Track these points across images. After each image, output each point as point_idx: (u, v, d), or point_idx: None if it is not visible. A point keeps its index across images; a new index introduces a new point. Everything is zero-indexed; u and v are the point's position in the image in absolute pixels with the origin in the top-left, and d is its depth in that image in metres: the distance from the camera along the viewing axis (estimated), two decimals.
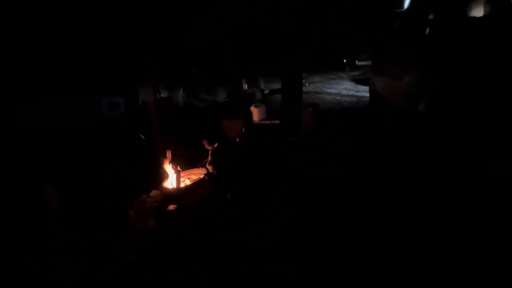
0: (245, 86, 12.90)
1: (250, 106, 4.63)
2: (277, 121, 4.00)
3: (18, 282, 2.14)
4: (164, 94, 10.18)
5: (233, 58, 6.97)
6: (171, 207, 2.93)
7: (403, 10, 3.00)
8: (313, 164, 3.23)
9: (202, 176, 3.07)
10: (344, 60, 17.31)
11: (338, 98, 8.73)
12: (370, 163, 3.11)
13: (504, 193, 1.60)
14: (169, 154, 3.24)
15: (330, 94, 9.56)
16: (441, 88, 2.10)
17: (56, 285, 2.13)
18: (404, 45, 2.79)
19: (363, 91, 8.97)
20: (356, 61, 17.19)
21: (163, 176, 3.25)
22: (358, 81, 11.32)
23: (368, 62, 15.35)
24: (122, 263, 2.27)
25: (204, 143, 2.95)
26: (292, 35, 5.28)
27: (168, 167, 3.15)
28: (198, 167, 3.25)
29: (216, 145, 2.83)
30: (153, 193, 3.28)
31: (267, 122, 4.03)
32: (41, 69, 7.35)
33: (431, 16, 2.28)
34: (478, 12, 2.09)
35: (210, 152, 2.81)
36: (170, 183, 3.14)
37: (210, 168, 2.77)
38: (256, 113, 4.05)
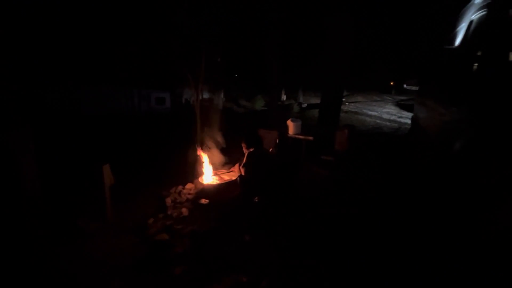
0: (284, 97, 13.26)
1: (287, 118, 4.90)
2: (311, 137, 4.21)
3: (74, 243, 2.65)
4: (206, 95, 10.97)
5: (276, 67, 7.32)
6: (203, 201, 3.31)
7: (453, 47, 3.07)
8: (341, 188, 3.39)
9: (234, 178, 3.41)
10: (392, 83, 16.84)
11: (378, 121, 8.61)
12: (396, 198, 3.16)
13: None
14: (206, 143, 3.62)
15: (370, 116, 9.44)
16: (480, 129, 2.18)
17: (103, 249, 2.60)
18: (450, 81, 2.87)
19: (407, 118, 8.74)
20: (405, 85, 16.60)
21: (199, 171, 3.67)
22: (403, 106, 10.96)
23: (416, 88, 14.76)
24: (155, 242, 2.67)
25: (242, 145, 3.28)
26: (339, 47, 5.46)
27: (205, 162, 3.55)
28: (229, 170, 3.60)
29: (252, 149, 3.14)
30: (188, 185, 3.74)
31: (301, 137, 4.26)
32: (101, 61, 8.46)
33: (479, 53, 2.37)
34: None
35: (246, 155, 3.13)
36: (205, 178, 3.53)
37: (243, 170, 3.09)
38: (292, 127, 4.30)
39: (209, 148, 3.80)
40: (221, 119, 4.99)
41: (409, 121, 8.35)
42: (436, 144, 2.88)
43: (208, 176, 3.57)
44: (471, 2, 2.94)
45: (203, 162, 3.61)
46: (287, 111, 9.73)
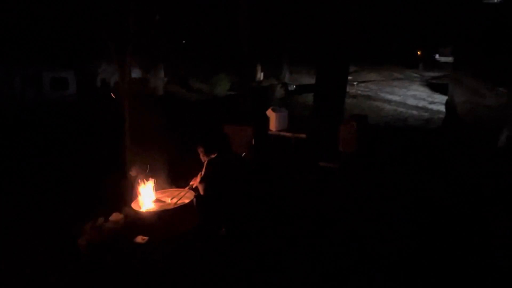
0: (261, 76, 13.48)
1: (266, 107, 5.06)
2: (303, 135, 4.39)
3: None
4: (135, 74, 10.82)
5: (248, 29, 7.50)
6: (140, 239, 3.30)
7: (497, 1, 3.41)
8: (350, 209, 3.58)
9: (189, 200, 3.45)
10: (419, 53, 17.81)
11: (400, 109, 9.12)
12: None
13: None
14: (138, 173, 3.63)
15: (389, 102, 9.95)
16: None
17: None
18: (494, 50, 3.18)
19: (441, 104, 9.36)
20: (437, 56, 17.65)
21: (131, 193, 3.65)
22: (436, 86, 11.62)
23: (451, 61, 15.61)
24: None
25: (199, 151, 3.35)
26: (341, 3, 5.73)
27: (140, 181, 3.55)
28: (184, 187, 3.64)
29: (214, 156, 3.22)
30: (115, 216, 3.68)
31: (289, 134, 4.44)
32: None
33: None
34: None
35: (204, 164, 3.20)
36: (141, 203, 3.53)
37: (201, 187, 3.15)
38: (273, 120, 4.46)
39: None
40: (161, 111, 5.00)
41: (443, 108, 8.94)
42: (476, 141, 3.16)
43: (148, 199, 3.58)
44: None
45: (137, 179, 3.61)
46: (266, 97, 9.91)
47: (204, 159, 3.40)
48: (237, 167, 3.31)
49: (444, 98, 10.12)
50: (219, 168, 3.17)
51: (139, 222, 3.40)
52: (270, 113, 4.48)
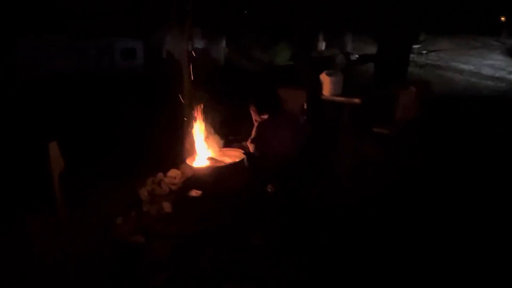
0: (323, 45, 13.17)
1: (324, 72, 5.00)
2: (357, 100, 4.29)
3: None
4: (199, 45, 11.13)
5: None
6: (194, 192, 3.54)
7: None
8: (403, 187, 3.48)
9: (239, 158, 3.61)
10: (502, 19, 16.17)
11: (474, 80, 8.45)
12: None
13: None
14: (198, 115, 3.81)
15: (461, 71, 9.24)
16: None
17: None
18: None
19: None
20: None
21: (188, 150, 3.90)
22: None
23: None
24: (125, 246, 2.95)
25: (251, 111, 3.45)
26: None
27: (198, 138, 3.76)
28: (234, 146, 3.80)
29: (266, 116, 3.30)
30: (173, 172, 3.98)
31: (342, 99, 4.36)
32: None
33: None
34: None
35: (256, 125, 3.30)
36: (197, 160, 3.76)
37: (251, 146, 3.26)
38: (328, 84, 4.39)
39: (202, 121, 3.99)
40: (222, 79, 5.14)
41: None
42: None
43: (202, 157, 3.79)
44: None
45: (195, 138, 3.83)
46: (327, 66, 9.72)
47: (256, 119, 3.50)
48: (289, 128, 3.37)
49: None
50: (271, 128, 3.25)
51: (194, 177, 3.65)
52: (324, 77, 4.43)
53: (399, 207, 3.12)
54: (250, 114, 3.67)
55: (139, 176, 3.89)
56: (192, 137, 3.86)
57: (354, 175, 3.64)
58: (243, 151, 3.60)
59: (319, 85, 4.44)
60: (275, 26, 11.94)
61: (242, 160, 3.52)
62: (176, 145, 4.12)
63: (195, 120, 3.90)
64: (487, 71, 9.22)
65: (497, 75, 8.80)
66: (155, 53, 11.30)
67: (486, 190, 3.35)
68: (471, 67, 9.67)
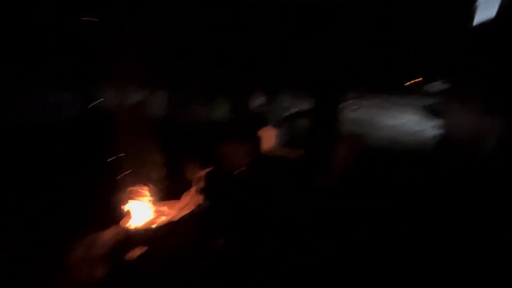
0: (260, 100, 13.67)
1: (263, 128, 5.14)
2: (300, 152, 4.43)
3: None
4: (136, 97, 10.93)
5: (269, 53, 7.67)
6: (131, 255, 3.27)
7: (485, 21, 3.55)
8: (347, 228, 3.59)
9: (183, 213, 3.47)
10: (417, 80, 18.16)
11: (398, 133, 9.17)
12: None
13: None
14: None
15: (387, 126, 10.02)
16: None
17: None
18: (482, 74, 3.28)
19: (438, 129, 9.44)
20: (434, 83, 17.99)
21: (125, 208, 3.65)
22: (434, 112, 11.78)
23: (450, 86, 15.98)
24: None
25: (194, 166, 3.39)
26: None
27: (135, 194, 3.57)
28: (180, 201, 3.65)
29: (210, 169, 3.26)
30: (107, 233, 3.67)
31: (284, 152, 4.48)
32: None
33: None
34: None
35: (201, 177, 3.24)
36: (134, 219, 3.53)
37: (199, 198, 3.17)
38: (270, 138, 4.52)
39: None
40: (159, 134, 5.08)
41: (440, 133, 9.00)
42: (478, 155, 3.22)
43: (141, 214, 3.59)
44: None
45: (132, 194, 3.63)
46: (266, 120, 9.99)
47: (200, 173, 3.44)
48: (234, 181, 3.34)
49: (440, 124, 10.25)
50: (216, 182, 3.20)
51: (131, 237, 3.39)
52: (266, 131, 4.55)
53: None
54: (192, 167, 3.62)
55: (66, 239, 3.56)
56: (129, 194, 3.66)
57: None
58: (187, 204, 3.48)
59: (261, 139, 4.53)
60: (215, 80, 12.22)
61: (186, 214, 3.38)
62: (111, 204, 3.87)
63: (132, 177, 3.74)
64: (410, 126, 10.10)
65: (417, 129, 9.67)
66: (90, 105, 10.87)
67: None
68: (396, 122, 10.52)
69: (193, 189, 3.43)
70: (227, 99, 11.84)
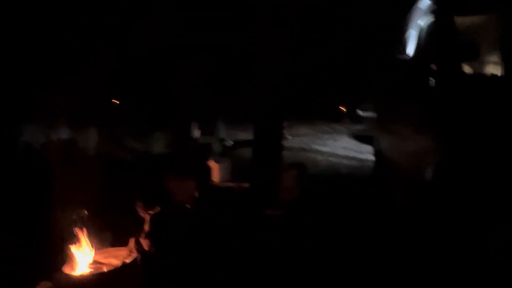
0: (197, 133, 13.56)
1: (205, 162, 5.10)
2: (246, 185, 4.44)
3: None
4: (63, 135, 10.26)
5: (190, 87, 7.72)
6: None
7: (406, 56, 3.98)
8: (300, 250, 3.63)
9: (129, 260, 3.24)
10: (343, 109, 19.35)
11: (332, 159, 9.66)
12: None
13: None
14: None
15: (321, 153, 10.52)
16: (448, 154, 2.82)
17: None
18: (410, 100, 3.64)
19: (369, 153, 10.06)
20: (359, 111, 19.30)
21: (64, 256, 3.34)
22: (362, 138, 12.62)
23: (374, 114, 17.32)
24: None
25: (138, 207, 3.22)
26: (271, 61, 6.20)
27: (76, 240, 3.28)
28: (124, 246, 3.42)
29: (157, 210, 3.11)
30: (43, 286, 3.30)
31: (232, 185, 4.46)
32: None
33: (434, 68, 3.16)
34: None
35: (148, 219, 3.07)
36: (76, 267, 3.23)
37: (145, 243, 2.99)
38: (217, 171, 4.48)
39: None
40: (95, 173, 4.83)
41: (372, 157, 9.63)
42: (407, 174, 3.47)
43: (83, 262, 3.29)
44: (416, 5, 3.96)
45: (72, 241, 3.33)
46: (203, 153, 9.93)
47: (145, 214, 3.27)
48: (184, 220, 3.22)
49: (370, 148, 10.99)
50: (163, 222, 3.06)
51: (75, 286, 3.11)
52: (212, 164, 4.51)
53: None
54: (136, 209, 3.43)
55: None
56: (68, 240, 3.35)
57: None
58: (133, 250, 3.26)
59: (206, 173, 4.48)
60: (149, 114, 11.94)
61: (134, 261, 3.16)
62: (48, 252, 3.52)
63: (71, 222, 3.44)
64: (341, 151, 10.69)
65: (349, 154, 10.26)
66: (10, 145, 9.97)
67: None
68: (329, 149, 11.09)
69: (138, 234, 3.23)
70: (163, 133, 11.63)
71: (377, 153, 6.32)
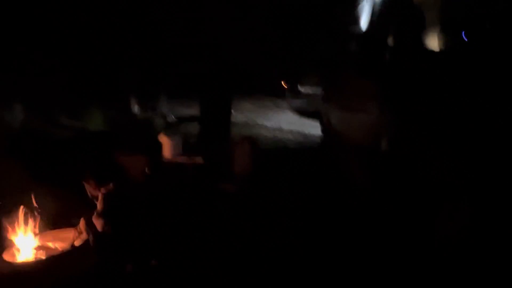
0: (136, 108, 12.90)
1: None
2: (199, 159, 4.33)
3: None
4: None
5: (128, 60, 7.27)
6: None
7: (359, 29, 4.05)
8: (258, 226, 3.64)
9: (78, 242, 3.02)
10: (283, 83, 19.56)
11: (278, 134, 9.79)
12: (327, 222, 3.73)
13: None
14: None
15: (266, 128, 10.60)
16: (402, 126, 2.94)
17: None
18: (362, 73, 3.74)
19: (312, 127, 10.34)
20: (299, 86, 19.65)
21: (4, 240, 3.03)
22: (305, 113, 12.92)
23: (316, 90, 17.80)
24: None
25: (87, 185, 3.00)
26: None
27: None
28: (72, 227, 3.19)
29: (110, 187, 2.91)
30: None
31: (185, 160, 4.32)
32: None
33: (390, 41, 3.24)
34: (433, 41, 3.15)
35: (101, 197, 2.87)
36: (17, 252, 2.96)
37: (99, 223, 2.80)
38: (168, 147, 4.29)
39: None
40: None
41: (316, 131, 9.90)
42: (361, 146, 3.60)
43: (25, 248, 3.02)
44: None
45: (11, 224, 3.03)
46: (146, 130, 9.51)
47: (96, 192, 3.05)
48: (136, 197, 3.06)
49: (314, 123, 11.28)
50: (119, 198, 2.88)
51: (13, 276, 2.83)
52: (163, 139, 4.31)
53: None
54: (83, 187, 3.20)
55: None
56: (6, 224, 3.04)
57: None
58: (82, 231, 3.04)
59: (156, 149, 4.28)
60: (84, 88, 11.09)
61: (83, 244, 2.96)
62: None
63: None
64: (285, 126, 10.87)
65: (293, 129, 10.47)
66: None
67: None
68: (273, 123, 11.22)
69: (88, 214, 3.01)
70: (99, 109, 10.90)
71: (324, 126, 6.49)
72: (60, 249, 3.09)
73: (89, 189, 3.10)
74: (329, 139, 5.58)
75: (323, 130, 6.42)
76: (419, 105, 2.94)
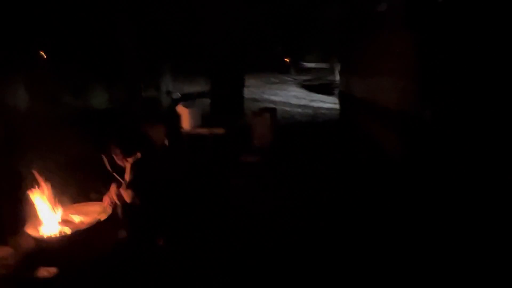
0: (141, 85, 12.68)
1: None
2: (220, 130, 4.15)
3: None
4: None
5: (133, 37, 7.06)
6: (44, 272, 2.59)
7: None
8: (282, 198, 3.49)
9: (106, 216, 2.86)
10: (287, 60, 19.39)
11: (287, 109, 9.62)
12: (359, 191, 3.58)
13: None
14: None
15: (275, 102, 10.45)
16: (454, 92, 2.71)
17: None
18: (401, 34, 3.47)
19: (320, 101, 10.16)
20: (303, 62, 19.51)
21: (26, 215, 2.87)
22: (310, 87, 12.79)
23: (319, 65, 17.68)
24: None
25: (115, 154, 2.81)
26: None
27: (40, 198, 2.82)
28: (99, 200, 3.03)
29: (137, 156, 2.73)
30: (3, 250, 2.85)
31: (205, 131, 4.14)
32: None
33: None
34: None
35: (129, 167, 2.69)
36: (42, 227, 2.80)
37: (128, 194, 2.63)
38: (187, 117, 4.10)
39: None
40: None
41: (323, 105, 9.75)
42: (398, 114, 3.41)
43: (50, 221, 2.86)
44: None
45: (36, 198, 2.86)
46: (151, 107, 9.37)
47: (124, 162, 2.87)
48: (166, 164, 2.89)
49: (321, 97, 11.13)
50: (148, 167, 2.70)
51: (39, 251, 2.70)
52: (181, 109, 4.11)
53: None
54: (109, 158, 3.02)
55: None
56: (30, 198, 2.88)
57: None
58: (109, 203, 2.88)
59: (177, 118, 4.10)
60: (87, 67, 10.83)
61: (112, 215, 2.80)
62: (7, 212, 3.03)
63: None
64: (293, 100, 10.69)
65: (302, 103, 10.29)
66: None
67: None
68: (281, 98, 11.04)
69: (116, 186, 2.83)
70: (103, 87, 10.66)
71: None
72: (85, 223, 2.93)
73: (118, 160, 2.92)
74: (351, 108, 5.43)
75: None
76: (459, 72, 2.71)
